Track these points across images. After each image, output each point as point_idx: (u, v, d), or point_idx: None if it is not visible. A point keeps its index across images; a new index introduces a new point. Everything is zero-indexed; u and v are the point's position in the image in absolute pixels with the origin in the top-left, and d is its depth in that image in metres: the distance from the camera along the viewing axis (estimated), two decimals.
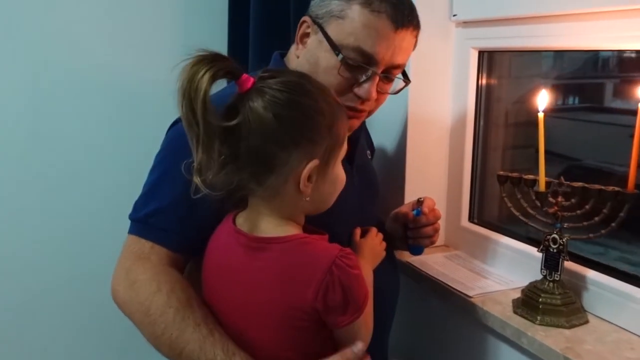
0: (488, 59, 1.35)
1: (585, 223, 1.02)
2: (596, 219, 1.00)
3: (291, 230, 0.82)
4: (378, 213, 1.19)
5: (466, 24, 1.34)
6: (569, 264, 1.08)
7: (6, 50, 1.63)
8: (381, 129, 1.37)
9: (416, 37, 0.99)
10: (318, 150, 0.79)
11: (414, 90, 1.31)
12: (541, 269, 1.06)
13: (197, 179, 0.76)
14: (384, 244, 1.01)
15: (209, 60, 0.74)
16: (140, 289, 0.85)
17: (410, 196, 1.35)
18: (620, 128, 1.18)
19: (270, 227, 0.82)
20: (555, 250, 1.04)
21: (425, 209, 1.10)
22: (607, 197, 0.98)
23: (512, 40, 1.22)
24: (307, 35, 0.98)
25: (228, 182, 0.79)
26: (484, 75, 1.36)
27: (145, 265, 0.87)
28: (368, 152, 1.23)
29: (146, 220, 0.90)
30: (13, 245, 1.71)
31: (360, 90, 0.95)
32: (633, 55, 1.14)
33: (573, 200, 1.04)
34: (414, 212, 1.11)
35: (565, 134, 1.35)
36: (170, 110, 0.80)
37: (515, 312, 1.07)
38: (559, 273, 1.04)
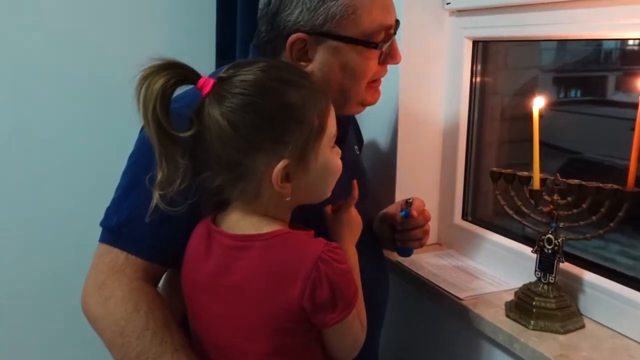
0: (483, 50, 1.31)
1: (582, 223, 0.98)
2: (594, 218, 0.95)
3: (275, 227, 0.78)
4: (368, 212, 1.14)
5: (460, 12, 1.28)
6: (565, 265, 1.03)
7: None
8: (371, 123, 1.33)
9: None
10: (285, 149, 0.75)
11: (405, 83, 1.28)
12: (535, 270, 1.02)
13: (156, 194, 0.74)
14: (359, 216, 0.94)
15: (161, 69, 0.73)
16: (116, 307, 0.81)
17: (401, 192, 1.31)
18: (621, 121, 1.14)
19: (253, 226, 0.78)
20: (550, 251, 1.00)
21: (414, 212, 1.04)
22: (606, 195, 0.94)
23: (507, 29, 1.17)
24: (305, 52, 0.92)
25: (204, 189, 0.77)
26: (479, 67, 1.31)
27: (122, 281, 0.83)
28: (356, 147, 1.18)
29: (119, 229, 0.86)
30: None
31: (390, 59, 0.97)
32: (635, 47, 1.10)
33: (569, 199, 0.99)
34: (402, 213, 1.05)
35: (565, 127, 1.32)
36: None
37: (507, 316, 1.03)
38: (553, 275, 1.00)
